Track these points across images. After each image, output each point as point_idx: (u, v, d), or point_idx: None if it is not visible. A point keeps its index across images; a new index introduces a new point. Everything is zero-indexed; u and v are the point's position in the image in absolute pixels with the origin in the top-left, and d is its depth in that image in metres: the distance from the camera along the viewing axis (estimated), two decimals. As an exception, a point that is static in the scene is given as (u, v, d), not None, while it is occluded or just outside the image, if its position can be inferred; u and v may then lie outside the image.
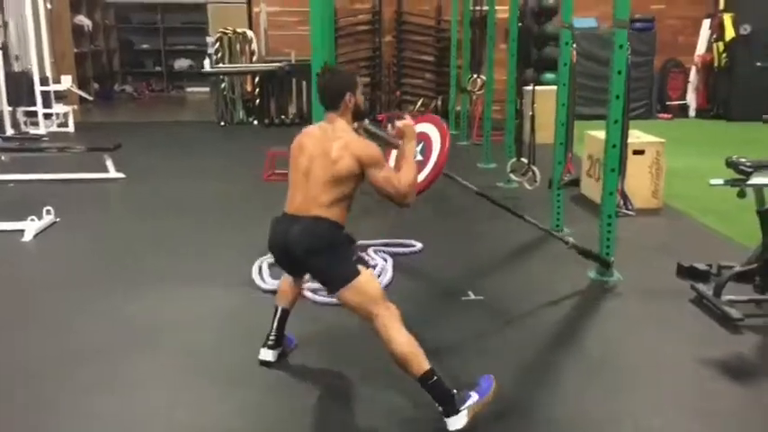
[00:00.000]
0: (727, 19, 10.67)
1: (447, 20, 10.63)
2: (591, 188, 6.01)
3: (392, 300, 3.87)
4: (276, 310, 3.20)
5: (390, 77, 11.07)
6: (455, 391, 2.60)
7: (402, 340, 2.62)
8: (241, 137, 9.83)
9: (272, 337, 3.16)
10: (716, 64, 10.91)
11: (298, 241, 2.75)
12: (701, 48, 11.16)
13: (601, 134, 6.12)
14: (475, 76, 8.78)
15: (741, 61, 10.73)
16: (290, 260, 2.85)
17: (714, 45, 10.88)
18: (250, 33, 10.67)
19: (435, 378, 2.58)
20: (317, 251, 2.75)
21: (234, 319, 3.73)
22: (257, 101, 10.57)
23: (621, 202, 5.19)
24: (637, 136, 6.06)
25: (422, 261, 4.57)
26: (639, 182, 5.76)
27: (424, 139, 3.34)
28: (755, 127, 10.20)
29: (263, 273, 4.19)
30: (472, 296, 3.94)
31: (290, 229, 2.78)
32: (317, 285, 3.94)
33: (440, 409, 2.59)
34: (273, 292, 3.92)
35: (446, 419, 2.58)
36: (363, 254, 4.51)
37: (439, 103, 10.79)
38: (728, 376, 3.06)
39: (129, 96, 14.26)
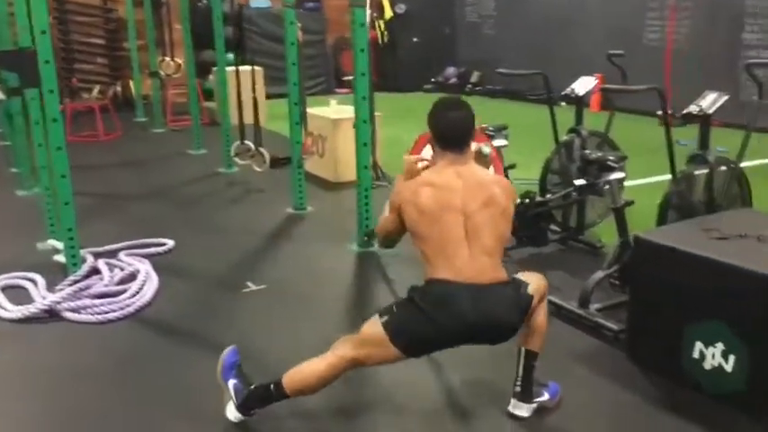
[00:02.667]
0: (384, -1, 11.66)
1: (114, -1, 9.91)
2: (317, 164, 6.15)
3: (168, 303, 3.60)
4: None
5: (60, 63, 9.91)
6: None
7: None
8: None
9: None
10: (380, 41, 11.87)
11: (507, 320, 2.34)
12: (364, 26, 12.02)
13: (319, 111, 6.32)
14: (167, 58, 8.33)
15: (400, 38, 11.86)
16: (482, 340, 2.39)
17: (376, 23, 11.81)
18: None
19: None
20: (522, 322, 2.42)
21: None
22: None
23: (374, 175, 5.38)
24: (350, 111, 6.33)
25: (179, 259, 4.25)
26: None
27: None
28: (419, 96, 11.37)
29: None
30: (253, 287, 3.79)
31: (485, 303, 2.28)
32: (81, 303, 3.46)
33: (517, 388, 2.53)
34: (20, 320, 3.35)
35: (514, 401, 2.54)
36: (115, 259, 4.06)
37: (118, 89, 10.02)
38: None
39: None
